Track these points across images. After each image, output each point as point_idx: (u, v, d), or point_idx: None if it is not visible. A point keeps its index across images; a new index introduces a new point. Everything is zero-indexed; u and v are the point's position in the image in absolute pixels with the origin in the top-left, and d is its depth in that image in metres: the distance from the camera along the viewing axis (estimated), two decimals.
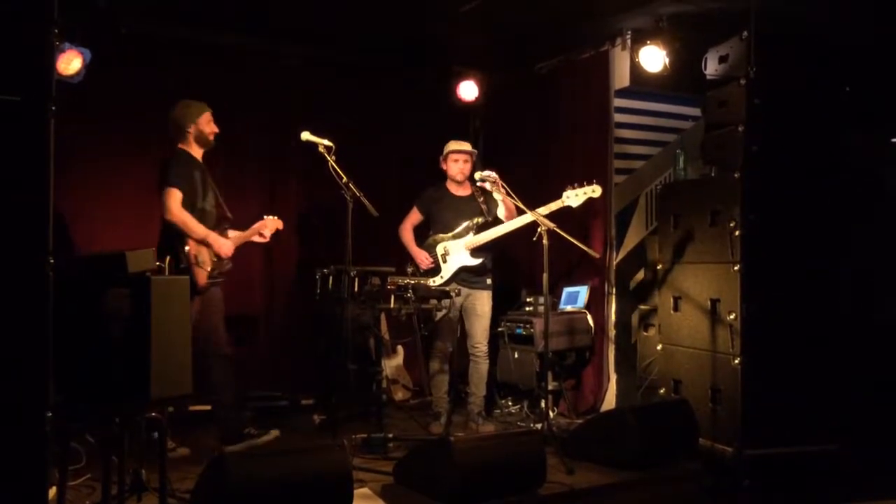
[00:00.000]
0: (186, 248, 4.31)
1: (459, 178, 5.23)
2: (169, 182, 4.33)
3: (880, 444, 4.14)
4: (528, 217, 4.80)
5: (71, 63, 4.47)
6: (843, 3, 4.42)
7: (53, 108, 2.60)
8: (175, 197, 4.31)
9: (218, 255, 4.47)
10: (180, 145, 4.51)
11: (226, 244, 4.51)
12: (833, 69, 4.39)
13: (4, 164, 2.53)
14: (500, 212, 5.14)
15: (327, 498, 3.32)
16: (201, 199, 4.48)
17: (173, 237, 4.31)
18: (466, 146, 5.27)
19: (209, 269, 4.40)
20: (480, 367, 5.20)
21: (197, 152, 4.53)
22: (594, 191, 4.86)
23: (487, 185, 4.92)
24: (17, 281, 2.55)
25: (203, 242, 4.40)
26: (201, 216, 4.44)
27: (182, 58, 5.50)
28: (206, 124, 4.52)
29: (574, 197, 4.86)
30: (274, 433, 4.64)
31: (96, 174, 5.27)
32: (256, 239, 4.79)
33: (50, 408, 2.56)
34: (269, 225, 4.78)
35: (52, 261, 2.59)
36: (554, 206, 4.82)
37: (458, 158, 5.21)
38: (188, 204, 4.38)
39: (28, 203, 2.57)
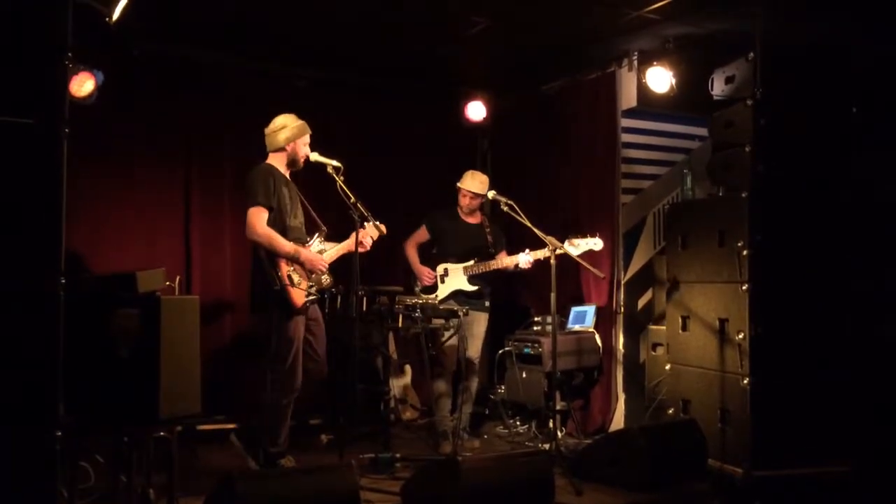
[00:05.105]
0: (278, 270, 4.15)
1: (466, 211, 5.36)
2: (255, 200, 4.18)
3: (892, 465, 4.10)
4: (521, 257, 5.05)
5: (84, 85, 4.54)
6: (849, 23, 4.44)
7: (67, 130, 2.64)
8: (260, 215, 4.17)
9: (311, 271, 4.33)
10: (270, 158, 4.40)
11: (318, 259, 4.33)
12: (840, 89, 4.40)
13: (19, 186, 2.57)
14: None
15: None
16: (291, 216, 4.36)
17: (262, 259, 4.16)
18: (478, 186, 5.25)
19: (304, 287, 4.26)
20: (471, 384, 5.29)
21: (284, 169, 4.43)
22: (596, 243, 4.91)
23: (502, 205, 4.91)
24: (29, 300, 2.58)
25: (294, 260, 4.25)
26: (290, 234, 4.31)
27: (192, 79, 5.56)
28: (304, 146, 4.40)
29: (575, 248, 4.86)
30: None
31: (109, 194, 5.31)
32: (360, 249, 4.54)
33: (60, 427, 2.58)
34: (370, 232, 4.43)
35: (63, 281, 2.62)
36: (556, 251, 4.75)
37: (466, 195, 5.29)
38: (279, 222, 4.26)
39: (41, 224, 2.60)
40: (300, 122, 4.42)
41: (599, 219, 5.73)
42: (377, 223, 4.44)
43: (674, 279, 4.77)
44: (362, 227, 4.35)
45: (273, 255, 4.17)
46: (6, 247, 2.55)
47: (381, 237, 4.55)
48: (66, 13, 2.68)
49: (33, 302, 2.58)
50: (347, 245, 4.51)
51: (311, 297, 4.29)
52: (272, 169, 4.36)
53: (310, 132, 4.45)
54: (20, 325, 2.55)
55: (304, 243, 4.39)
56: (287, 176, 4.45)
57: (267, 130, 4.42)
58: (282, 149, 4.38)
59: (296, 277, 4.23)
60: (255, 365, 5.75)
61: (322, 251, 4.45)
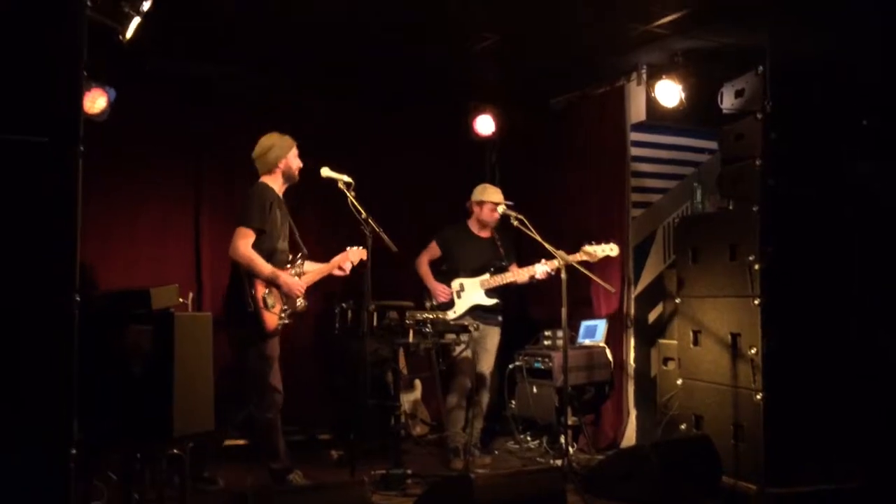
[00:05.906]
0: (254, 291, 4.16)
1: (491, 223, 5.31)
2: (247, 222, 4.20)
3: None
4: (538, 268, 5.03)
5: (96, 102, 4.57)
6: (857, 36, 4.44)
7: (82, 149, 2.64)
8: (245, 236, 4.17)
9: (287, 296, 4.33)
10: (264, 178, 4.40)
11: (296, 285, 4.33)
12: (849, 102, 4.39)
13: (33, 205, 2.57)
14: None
15: None
16: (279, 239, 4.36)
17: (242, 278, 4.17)
18: (499, 197, 5.25)
19: (278, 311, 4.26)
20: (482, 399, 5.26)
21: (280, 188, 4.44)
22: (612, 249, 4.97)
23: (512, 220, 4.91)
24: (43, 318, 2.58)
25: (272, 283, 4.25)
26: (276, 256, 4.32)
27: (204, 95, 5.58)
28: (294, 159, 4.42)
29: (591, 256, 4.92)
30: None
31: (120, 210, 5.33)
32: (337, 272, 4.60)
33: (74, 444, 2.57)
34: (351, 257, 4.57)
35: (77, 298, 2.62)
36: (572, 258, 4.82)
37: (493, 209, 5.22)
38: (267, 245, 4.26)
39: (56, 241, 2.60)
40: (285, 137, 4.43)
41: (609, 233, 5.70)
42: (388, 239, 4.46)
43: (684, 293, 4.75)
44: (366, 246, 4.41)
45: (252, 276, 4.18)
46: (21, 264, 2.55)
47: (361, 262, 4.59)
48: (81, 31, 2.69)
49: (48, 319, 2.58)
50: (327, 268, 4.58)
51: (283, 321, 4.31)
52: (269, 190, 4.37)
53: (296, 143, 4.46)
54: (35, 342, 2.55)
55: (288, 265, 4.40)
56: (281, 195, 4.46)
57: (255, 154, 4.42)
58: (275, 168, 4.39)
59: (270, 300, 4.23)
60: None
61: (302, 274, 4.46)
